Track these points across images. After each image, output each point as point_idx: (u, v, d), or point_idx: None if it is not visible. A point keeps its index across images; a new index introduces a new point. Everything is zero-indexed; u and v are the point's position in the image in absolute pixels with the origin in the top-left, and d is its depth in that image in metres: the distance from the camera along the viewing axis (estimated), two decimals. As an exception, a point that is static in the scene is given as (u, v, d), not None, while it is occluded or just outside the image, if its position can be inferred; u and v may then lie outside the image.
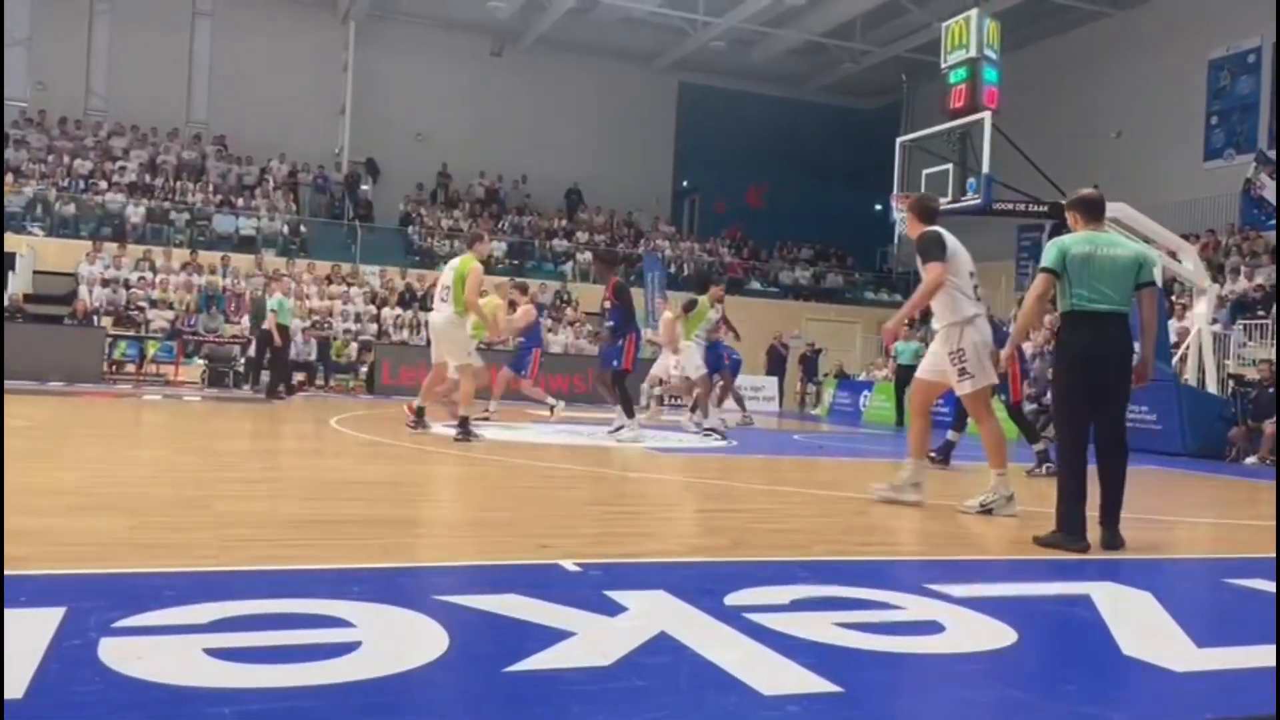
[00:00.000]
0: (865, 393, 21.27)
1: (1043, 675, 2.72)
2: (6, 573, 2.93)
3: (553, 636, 2.66)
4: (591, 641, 2.65)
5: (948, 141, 12.84)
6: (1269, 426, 12.74)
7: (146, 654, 2.36)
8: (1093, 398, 4.81)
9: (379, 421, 11.70)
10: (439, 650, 2.51)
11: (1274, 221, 19.80)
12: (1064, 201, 5.32)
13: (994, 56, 12.71)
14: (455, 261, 9.45)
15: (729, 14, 26.82)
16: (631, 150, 31.22)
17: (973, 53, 12.45)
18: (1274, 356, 14.33)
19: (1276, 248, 17.43)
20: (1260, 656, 2.89)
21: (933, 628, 3.03)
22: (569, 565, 3.69)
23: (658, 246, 28.97)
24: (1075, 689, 2.56)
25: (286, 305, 16.08)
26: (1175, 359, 14.26)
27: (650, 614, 2.97)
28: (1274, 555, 4.59)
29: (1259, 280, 18.07)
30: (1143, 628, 3.18)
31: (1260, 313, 17.14)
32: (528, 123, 29.66)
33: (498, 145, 29.51)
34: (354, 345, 21.41)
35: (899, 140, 14.37)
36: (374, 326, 22.36)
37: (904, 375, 18.42)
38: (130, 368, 19.01)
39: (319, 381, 20.24)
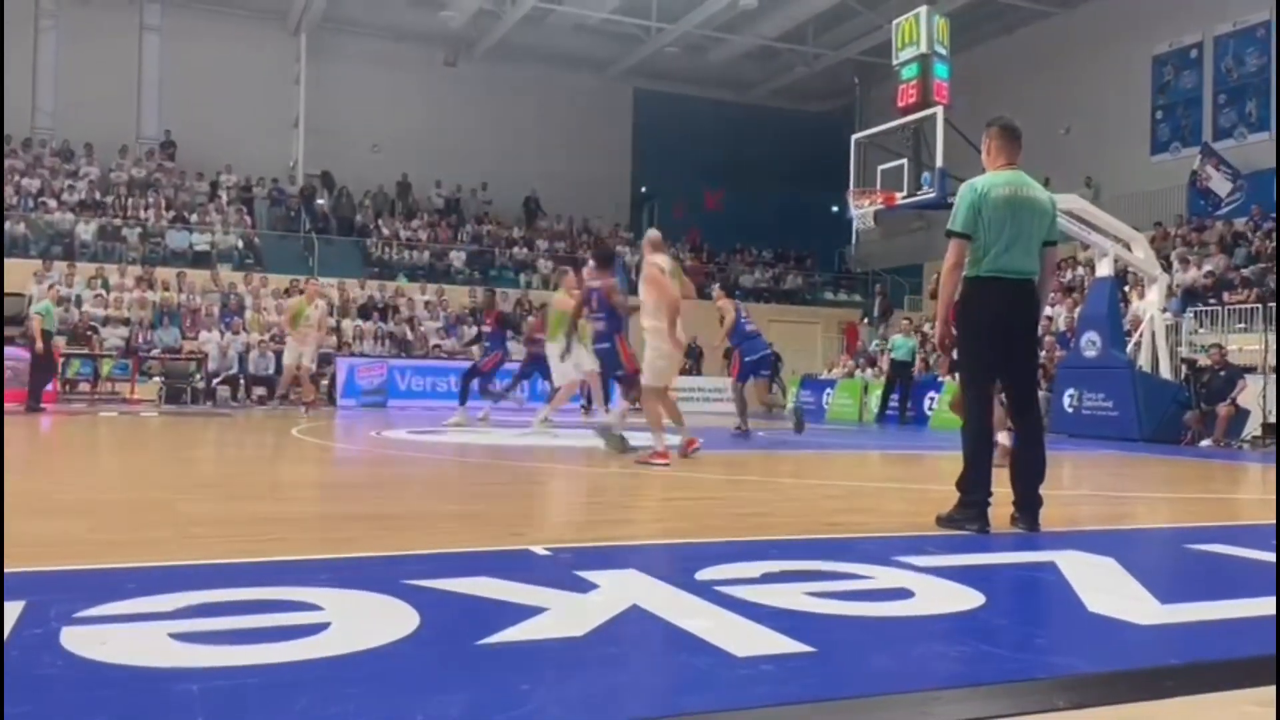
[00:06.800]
0: (828, 391, 21.44)
1: (1012, 631, 2.74)
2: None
3: (525, 613, 2.65)
4: (564, 615, 2.64)
5: (902, 137, 12.96)
6: (1223, 409, 12.99)
7: (110, 640, 2.32)
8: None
9: (340, 431, 11.60)
10: (410, 628, 2.49)
11: (1220, 212, 20.20)
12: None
13: (944, 52, 12.86)
14: None
15: (682, 19, 26.92)
16: (589, 157, 31.17)
17: (923, 49, 12.59)
18: (1225, 342, 14.63)
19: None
20: (1224, 610, 2.94)
21: (902, 594, 3.05)
22: (539, 550, 3.67)
23: (618, 253, 28.92)
24: (1044, 642, 2.60)
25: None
26: (1129, 345, 14.50)
27: (622, 590, 2.96)
28: (1233, 524, 4.67)
29: (1207, 268, 18.43)
30: (1108, 588, 3.22)
31: (1212, 300, 17.47)
32: (484, 132, 29.48)
33: (455, 155, 29.33)
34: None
35: (854, 137, 14.46)
36: (333, 339, 22.12)
37: (900, 371, 18.08)
38: (85, 386, 18.67)
39: (279, 394, 19.95)
